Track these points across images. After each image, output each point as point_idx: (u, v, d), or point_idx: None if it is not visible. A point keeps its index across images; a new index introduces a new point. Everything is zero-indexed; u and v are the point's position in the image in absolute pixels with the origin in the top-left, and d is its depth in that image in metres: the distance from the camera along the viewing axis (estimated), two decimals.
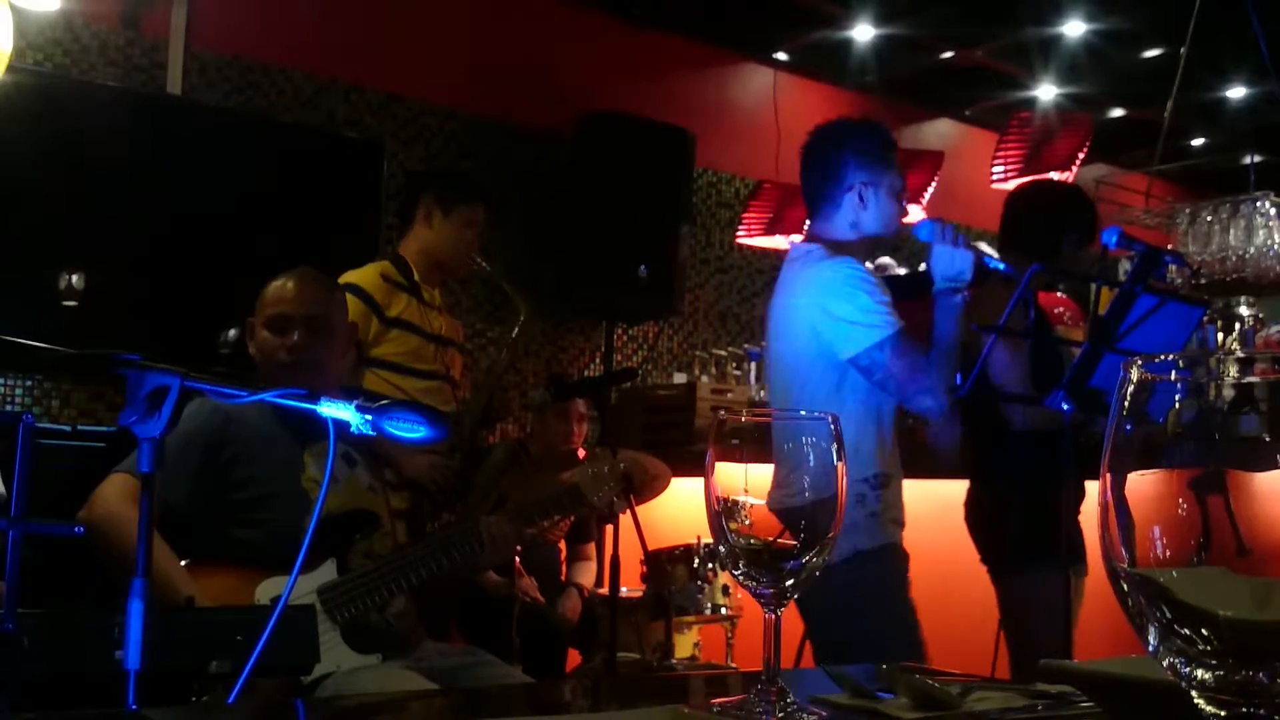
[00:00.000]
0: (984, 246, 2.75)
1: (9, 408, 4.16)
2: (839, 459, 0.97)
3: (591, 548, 4.50)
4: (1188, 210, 4.55)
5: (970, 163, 6.76)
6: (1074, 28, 5.95)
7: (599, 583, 4.75)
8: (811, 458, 0.98)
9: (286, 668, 1.60)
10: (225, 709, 1.24)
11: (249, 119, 4.80)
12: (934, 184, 6.17)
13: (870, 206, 2.75)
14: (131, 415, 1.18)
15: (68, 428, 3.62)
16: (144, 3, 4.57)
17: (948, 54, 6.45)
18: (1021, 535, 3.05)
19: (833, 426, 0.99)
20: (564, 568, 4.57)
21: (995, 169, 5.76)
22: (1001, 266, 2.67)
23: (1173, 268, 4.01)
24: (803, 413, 1.02)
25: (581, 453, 3.88)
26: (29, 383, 4.29)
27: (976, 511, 3.18)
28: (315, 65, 5.02)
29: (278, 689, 1.97)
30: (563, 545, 4.50)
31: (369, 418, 1.27)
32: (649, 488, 4.13)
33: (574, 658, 4.37)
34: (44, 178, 4.19)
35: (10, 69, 3.76)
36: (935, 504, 3.33)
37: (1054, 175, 5.61)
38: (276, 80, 4.93)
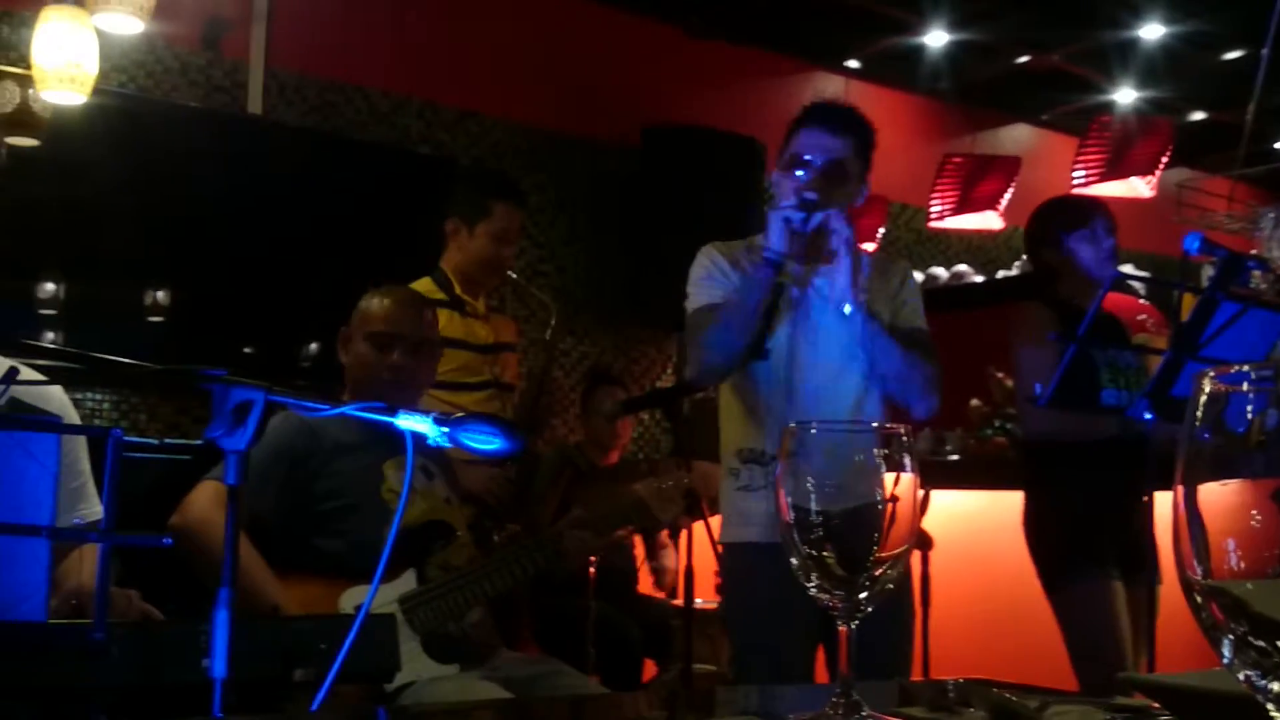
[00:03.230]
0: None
1: (97, 422, 4.27)
2: (908, 469, 0.97)
3: (666, 533, 4.51)
4: (1271, 214, 4.45)
5: (1049, 168, 6.66)
6: (1152, 30, 5.85)
7: (673, 594, 4.76)
8: (882, 467, 0.98)
9: (368, 676, 1.63)
10: (309, 716, 1.27)
11: (326, 137, 4.90)
12: (1011, 190, 6.09)
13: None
14: (218, 429, 1.21)
15: (155, 441, 3.72)
16: (224, 24, 4.69)
17: (1024, 58, 6.38)
18: (1063, 546, 3.02)
19: (903, 437, 0.99)
20: (639, 576, 4.59)
21: (1076, 174, 5.68)
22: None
23: (1256, 273, 3.92)
24: (874, 424, 1.01)
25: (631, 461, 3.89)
26: (117, 397, 4.40)
27: (1026, 523, 3.15)
28: (390, 83, 5.11)
29: (360, 697, 2.01)
30: (639, 541, 4.51)
31: (446, 430, 1.29)
32: None
33: (650, 669, 4.38)
34: (129, 197, 4.31)
35: (96, 91, 3.88)
36: (1005, 514, 3.30)
37: (1136, 180, 5.52)
38: (353, 98, 5.02)
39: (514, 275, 3.79)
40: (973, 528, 4.02)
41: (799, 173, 2.45)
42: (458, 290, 3.56)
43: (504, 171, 4.69)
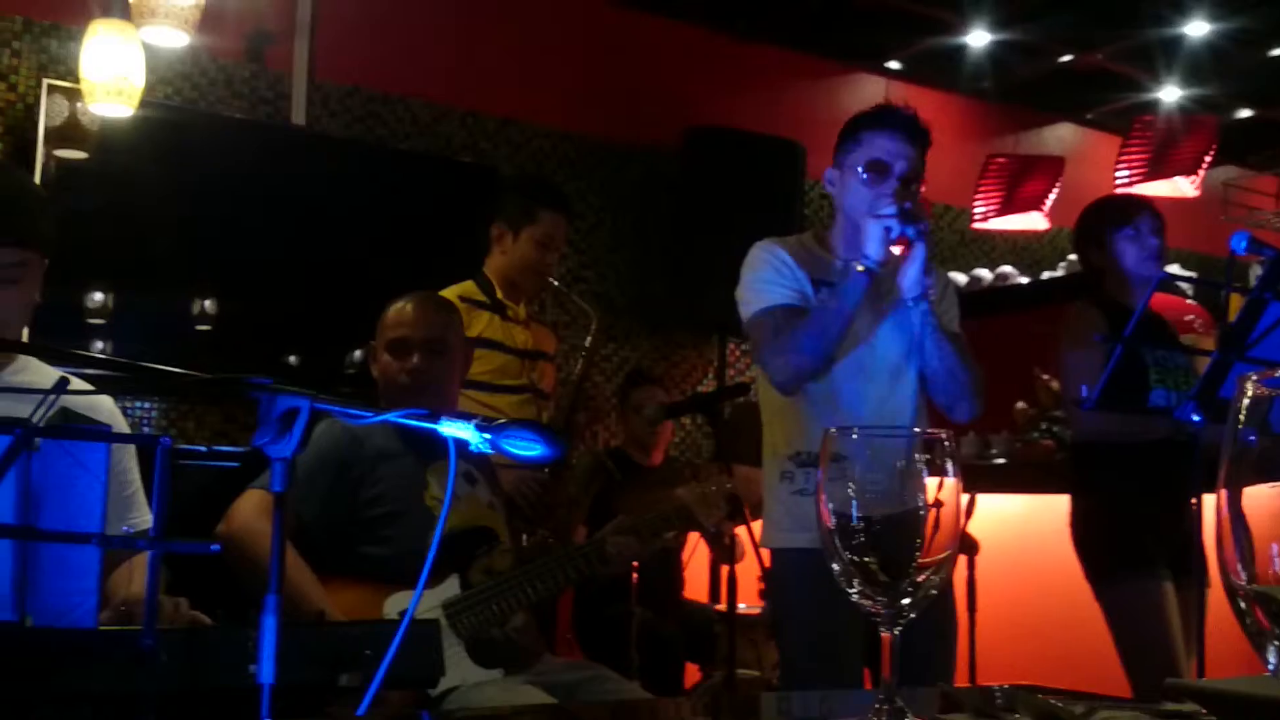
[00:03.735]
0: None
1: (146, 429, 4.33)
2: (951, 474, 0.97)
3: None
4: None
5: (1094, 168, 6.59)
6: (1197, 28, 5.78)
7: (715, 598, 4.75)
8: (924, 472, 0.97)
9: (413, 681, 1.64)
10: None
11: (369, 147, 4.94)
12: (1055, 190, 6.04)
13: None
14: (264, 436, 1.22)
15: (203, 448, 3.76)
16: (268, 37, 4.74)
17: (1067, 57, 6.32)
18: (1111, 546, 2.99)
19: (945, 442, 0.98)
20: (682, 581, 4.59)
21: (1119, 174, 5.62)
22: None
23: None
24: (916, 429, 1.01)
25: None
26: (165, 405, 4.46)
27: (1073, 525, 3.13)
28: (432, 93, 5.15)
29: (405, 702, 2.02)
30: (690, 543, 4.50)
31: (488, 436, 1.29)
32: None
33: (692, 674, 4.38)
34: (176, 207, 4.36)
35: (142, 103, 3.94)
36: (1052, 517, 3.27)
37: (1180, 179, 5.45)
38: (395, 109, 5.06)
39: (555, 283, 3.81)
40: (1019, 532, 3.99)
41: (889, 180, 2.44)
42: (499, 294, 3.58)
43: (551, 180, 4.71)
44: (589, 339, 3.91)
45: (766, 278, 2.49)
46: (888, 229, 2.31)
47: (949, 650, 2.58)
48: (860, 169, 2.47)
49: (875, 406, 2.46)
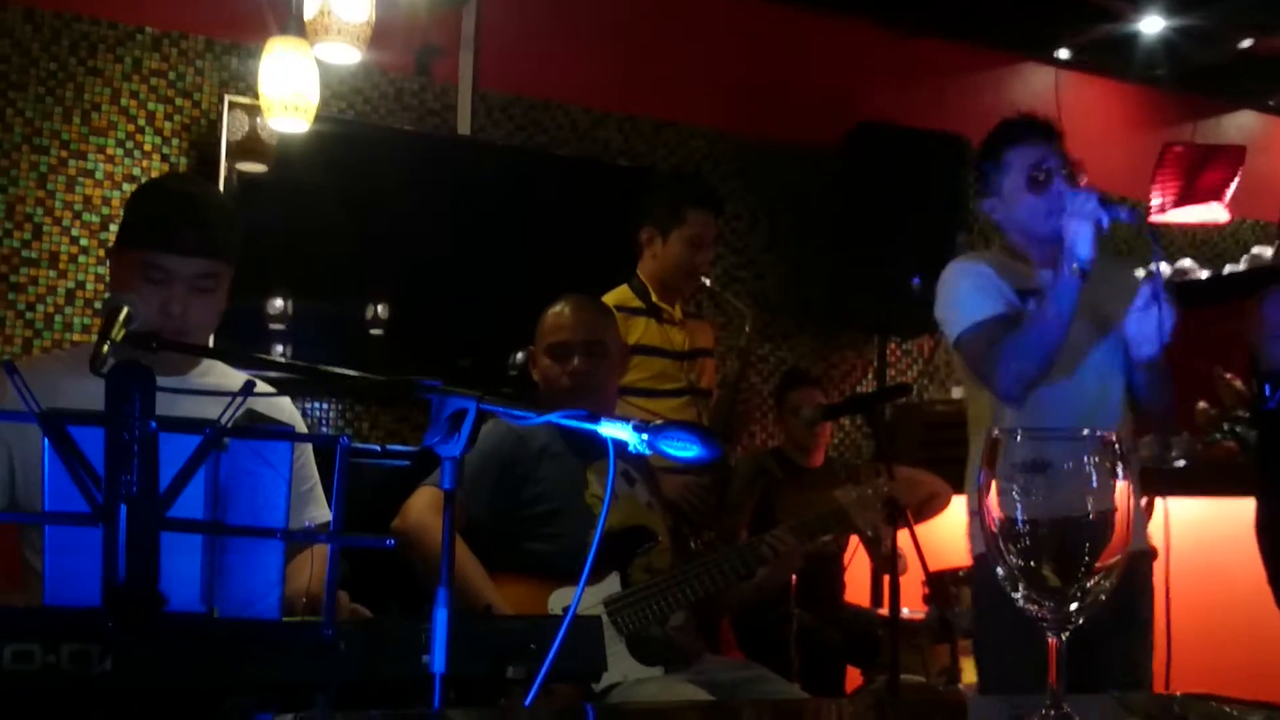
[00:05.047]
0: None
1: (324, 429, 4.51)
2: (1122, 477, 0.94)
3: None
4: None
5: (1278, 156, 6.26)
6: None
7: (879, 603, 4.68)
8: (1093, 476, 0.95)
9: (576, 675, 1.67)
10: (522, 711, 1.32)
11: (531, 154, 5.05)
12: (1236, 180, 5.75)
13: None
14: (435, 436, 1.27)
15: (377, 448, 3.90)
16: (435, 51, 4.89)
17: (1247, 42, 6.01)
18: None
19: (1116, 445, 0.96)
20: (843, 586, 4.54)
21: None
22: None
23: None
24: (1085, 431, 0.98)
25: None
26: (341, 406, 4.65)
27: (1258, 528, 2.96)
28: (591, 99, 5.22)
29: (570, 696, 2.06)
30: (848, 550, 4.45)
31: (646, 437, 1.31)
32: (928, 506, 4.03)
33: (853, 678, 4.33)
34: (350, 217, 4.54)
35: (317, 118, 4.11)
36: (1235, 523, 3.12)
37: None
38: (556, 116, 5.16)
39: (708, 282, 3.80)
40: (1200, 538, 3.82)
41: (1054, 182, 2.48)
42: (654, 298, 3.60)
43: (699, 178, 4.71)
44: (744, 339, 3.89)
45: (971, 293, 2.52)
46: (1098, 221, 2.32)
47: (1142, 656, 2.52)
48: (1024, 183, 2.51)
49: (1086, 413, 2.46)
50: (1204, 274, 5.94)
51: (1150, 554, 3.38)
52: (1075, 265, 2.33)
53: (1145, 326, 2.36)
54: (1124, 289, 2.50)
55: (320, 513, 2.22)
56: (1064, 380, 2.45)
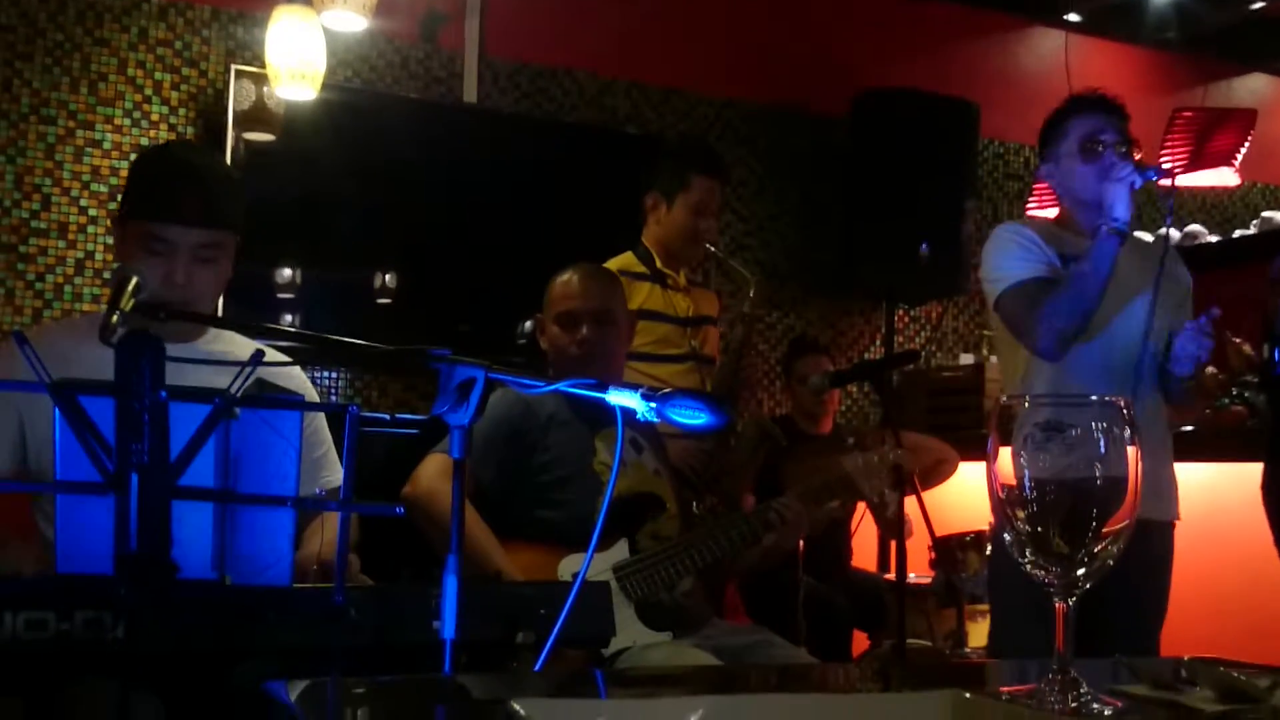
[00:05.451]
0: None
1: (334, 398, 4.53)
2: (1131, 443, 0.94)
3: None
4: None
5: None
6: None
7: (885, 568, 4.70)
8: (1102, 443, 0.95)
9: (585, 640, 1.69)
10: (532, 676, 1.33)
11: (538, 122, 5.02)
12: (1247, 144, 5.71)
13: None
14: (443, 405, 1.28)
15: (386, 416, 3.91)
16: (440, 18, 4.86)
17: (1259, 4, 5.95)
18: None
19: (1124, 411, 0.96)
20: (850, 552, 4.56)
21: None
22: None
23: None
24: (1093, 397, 0.98)
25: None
26: (350, 375, 4.66)
27: (1265, 490, 2.97)
28: (598, 66, 5.19)
29: (579, 660, 2.08)
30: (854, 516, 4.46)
31: (654, 405, 1.32)
32: (935, 472, 4.05)
33: (860, 642, 4.35)
34: (357, 185, 4.53)
35: (324, 86, 4.10)
36: (1244, 488, 3.12)
37: None
38: (563, 82, 5.13)
39: (713, 248, 3.79)
40: (1209, 502, 3.82)
41: (1107, 152, 2.57)
42: (658, 264, 3.59)
43: (705, 143, 4.68)
44: (747, 305, 3.88)
45: (1015, 255, 2.61)
46: (1131, 183, 2.45)
47: (1151, 622, 2.57)
48: (1077, 150, 2.60)
49: (1118, 374, 2.53)
50: (1214, 238, 5.91)
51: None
52: (1112, 224, 2.42)
53: (1188, 347, 2.46)
54: (1147, 256, 2.63)
55: (335, 476, 2.23)
56: (1095, 340, 2.53)
